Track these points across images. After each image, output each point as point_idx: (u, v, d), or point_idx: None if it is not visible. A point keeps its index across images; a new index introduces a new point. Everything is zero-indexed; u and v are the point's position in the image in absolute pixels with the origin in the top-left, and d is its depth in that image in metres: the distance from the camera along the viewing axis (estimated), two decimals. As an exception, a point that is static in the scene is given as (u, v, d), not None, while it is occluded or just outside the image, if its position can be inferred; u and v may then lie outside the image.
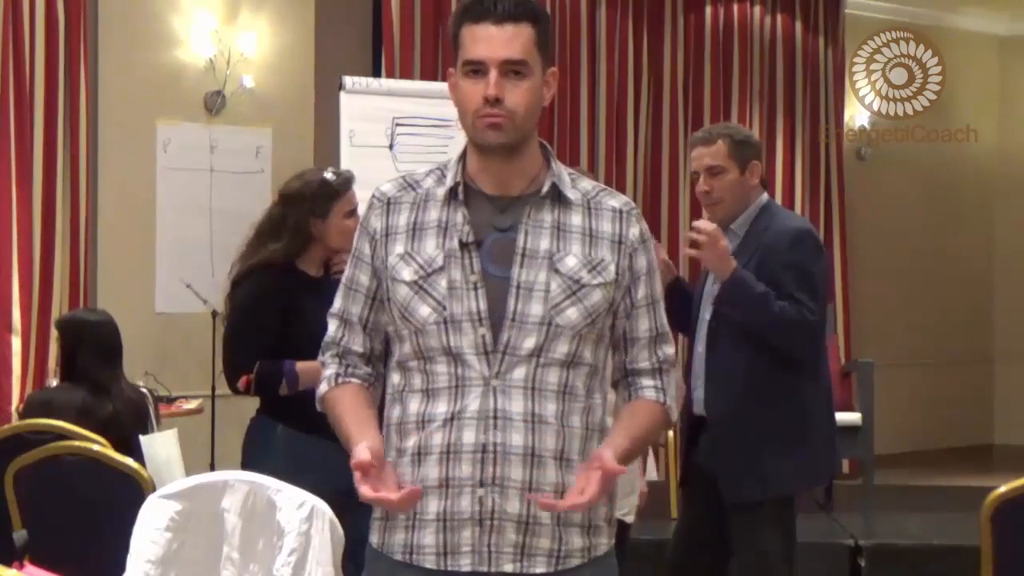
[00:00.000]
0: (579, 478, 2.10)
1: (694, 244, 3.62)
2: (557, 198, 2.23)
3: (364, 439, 2.12)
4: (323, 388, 2.30)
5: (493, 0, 2.16)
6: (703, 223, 3.66)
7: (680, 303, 3.83)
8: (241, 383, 3.64)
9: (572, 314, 2.17)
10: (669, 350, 2.31)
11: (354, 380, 2.28)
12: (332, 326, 2.31)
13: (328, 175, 3.77)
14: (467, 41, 2.18)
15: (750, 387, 3.67)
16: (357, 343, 2.29)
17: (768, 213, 3.77)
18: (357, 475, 2.06)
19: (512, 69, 2.16)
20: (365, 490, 2.05)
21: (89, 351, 4.22)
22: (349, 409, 2.23)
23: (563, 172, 2.27)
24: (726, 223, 3.80)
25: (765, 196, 3.82)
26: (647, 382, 2.28)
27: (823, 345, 3.75)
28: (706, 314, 3.77)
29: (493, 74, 2.15)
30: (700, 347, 3.80)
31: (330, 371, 2.30)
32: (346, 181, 3.78)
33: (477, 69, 2.16)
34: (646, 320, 2.27)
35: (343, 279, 2.31)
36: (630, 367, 2.29)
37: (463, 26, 2.19)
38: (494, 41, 2.16)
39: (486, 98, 2.14)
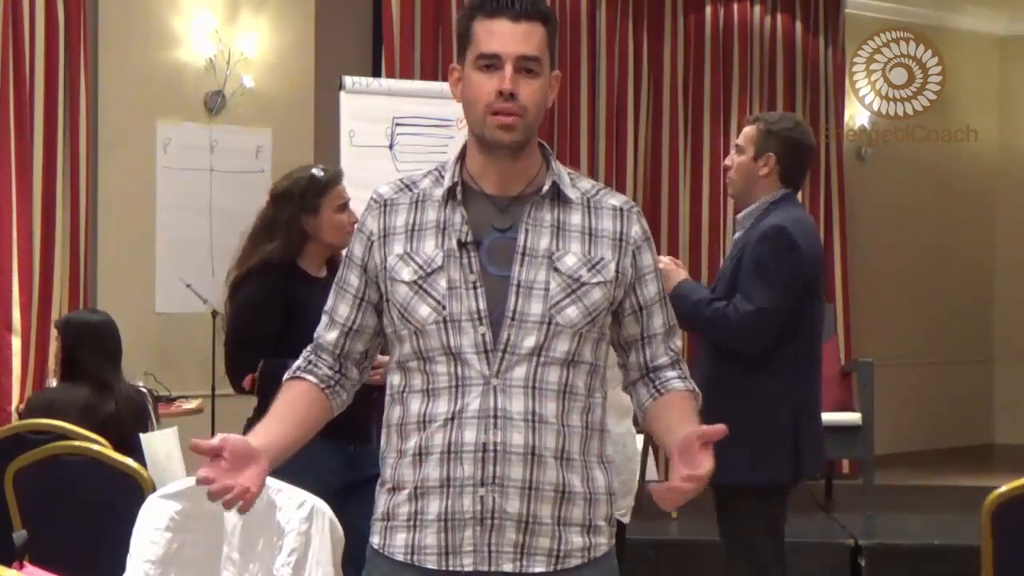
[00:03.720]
0: (683, 460, 2.07)
1: None
2: (557, 197, 2.23)
3: (256, 433, 2.12)
4: (285, 376, 2.30)
5: None
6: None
7: None
8: (246, 382, 3.64)
9: (572, 312, 2.17)
10: (679, 342, 2.34)
11: (309, 378, 2.27)
12: (322, 321, 2.33)
13: (315, 171, 3.79)
14: (481, 35, 2.18)
15: (709, 377, 3.68)
16: (329, 340, 2.29)
17: (772, 208, 3.76)
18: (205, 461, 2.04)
19: (526, 66, 2.17)
20: (201, 472, 2.02)
21: (91, 350, 4.22)
22: (279, 405, 2.23)
23: (563, 172, 2.27)
24: (739, 202, 3.89)
25: (781, 193, 3.79)
26: (670, 373, 2.29)
27: (790, 340, 3.67)
28: None
29: (508, 68, 2.15)
30: None
31: (296, 362, 2.31)
32: (334, 176, 3.79)
33: (491, 63, 2.17)
34: (660, 316, 2.29)
35: (336, 278, 2.32)
36: (652, 365, 2.29)
37: (476, 20, 2.19)
38: (510, 37, 2.16)
39: (501, 92, 2.15)
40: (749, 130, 3.85)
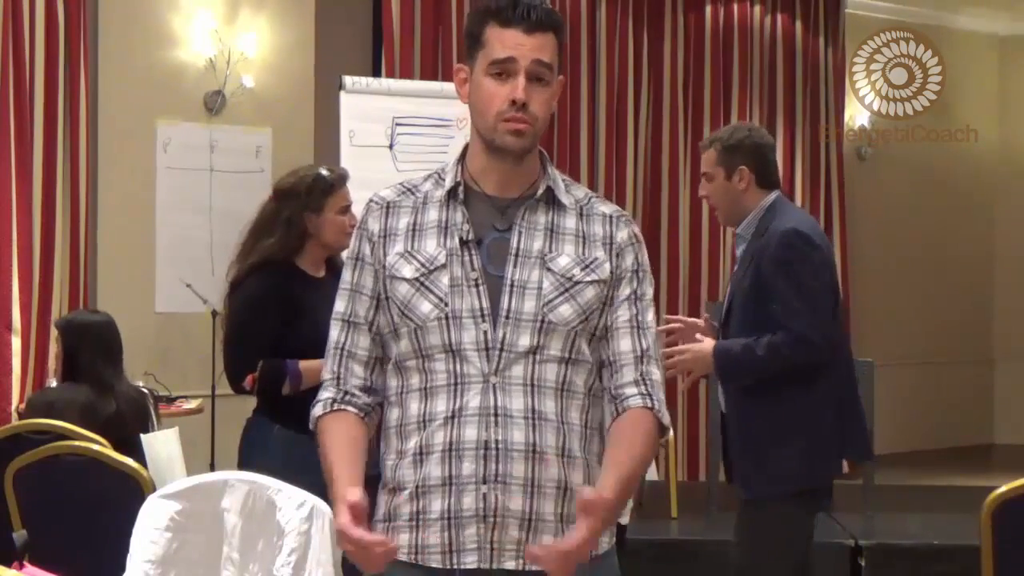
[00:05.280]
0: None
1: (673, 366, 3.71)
2: (551, 201, 2.25)
3: (350, 483, 2.10)
4: (317, 411, 2.26)
5: (525, 8, 2.17)
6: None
7: None
8: (247, 382, 3.64)
9: (565, 311, 2.18)
10: (651, 342, 2.26)
11: (350, 409, 2.25)
12: (335, 330, 2.28)
13: (323, 171, 3.80)
14: (494, 42, 2.18)
15: (745, 395, 3.73)
16: (363, 345, 2.26)
17: (771, 213, 3.75)
18: (346, 515, 2.04)
19: (538, 74, 2.18)
20: (348, 525, 2.03)
21: (92, 350, 4.22)
22: (338, 444, 2.19)
23: (558, 178, 2.29)
24: (733, 225, 3.86)
25: (772, 196, 3.79)
26: (631, 390, 2.22)
27: (829, 346, 3.68)
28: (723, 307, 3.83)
29: (521, 79, 2.17)
30: None
31: (327, 394, 2.27)
32: (340, 177, 3.81)
33: (503, 70, 2.17)
34: (627, 312, 2.24)
35: (343, 283, 2.30)
36: (612, 359, 2.23)
37: (489, 26, 2.20)
38: (524, 47, 2.17)
39: (514, 101, 2.16)
40: (709, 155, 3.84)
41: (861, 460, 4.01)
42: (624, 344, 2.24)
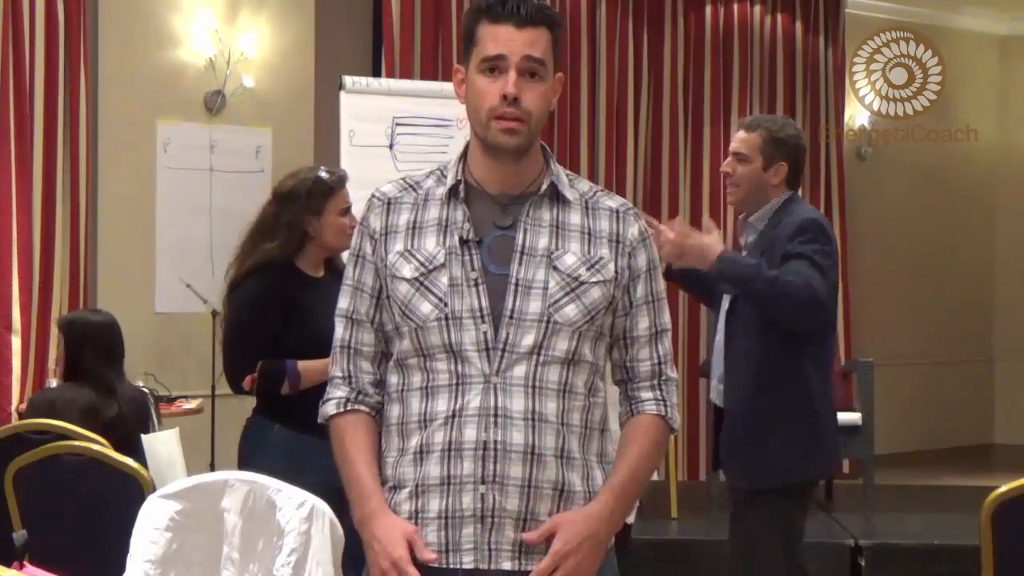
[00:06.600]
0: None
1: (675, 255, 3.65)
2: (555, 197, 2.24)
3: (380, 494, 2.18)
4: (330, 409, 2.27)
5: (516, 3, 2.17)
6: (665, 233, 3.61)
7: (692, 277, 3.88)
8: (246, 382, 3.64)
9: (571, 311, 2.17)
10: (668, 346, 2.31)
11: (363, 408, 2.26)
12: (340, 327, 2.29)
13: (322, 173, 3.79)
14: (486, 39, 2.18)
15: (759, 377, 3.68)
16: (368, 342, 2.27)
17: (786, 209, 3.76)
18: (406, 551, 2.13)
19: (530, 69, 2.17)
20: (406, 563, 2.13)
21: (94, 351, 4.22)
22: (364, 457, 2.23)
23: (561, 173, 2.28)
24: (746, 212, 3.85)
25: (789, 193, 3.81)
26: (647, 395, 2.27)
27: (828, 321, 3.72)
28: (725, 303, 3.81)
29: (512, 74, 2.16)
30: (719, 337, 3.84)
31: (340, 393, 2.27)
32: (340, 179, 3.80)
33: (495, 67, 2.17)
34: (646, 318, 2.27)
35: (346, 279, 2.30)
36: (630, 366, 2.28)
37: (481, 23, 2.20)
38: (515, 42, 2.17)
39: (504, 96, 2.15)
40: (752, 137, 3.81)
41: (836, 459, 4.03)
42: (644, 353, 2.27)
